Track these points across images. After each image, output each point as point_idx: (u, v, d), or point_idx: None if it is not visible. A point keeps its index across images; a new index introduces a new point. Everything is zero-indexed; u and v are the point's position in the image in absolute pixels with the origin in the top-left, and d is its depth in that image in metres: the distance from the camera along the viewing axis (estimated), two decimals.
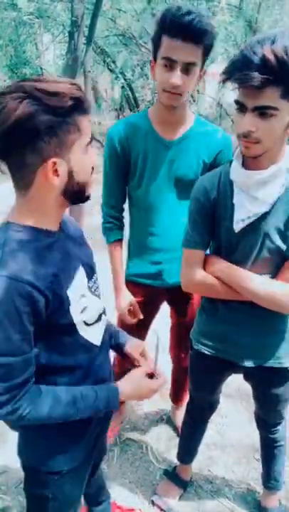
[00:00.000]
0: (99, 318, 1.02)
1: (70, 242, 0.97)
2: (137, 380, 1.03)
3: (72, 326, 0.93)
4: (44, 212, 0.88)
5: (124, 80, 8.81)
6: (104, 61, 9.16)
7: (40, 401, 0.89)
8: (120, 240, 1.67)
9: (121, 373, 1.80)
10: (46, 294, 0.83)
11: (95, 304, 1.00)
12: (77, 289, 0.92)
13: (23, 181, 0.84)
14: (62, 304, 0.88)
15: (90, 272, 1.01)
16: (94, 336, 1.01)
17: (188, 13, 1.23)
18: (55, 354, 0.93)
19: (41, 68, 9.71)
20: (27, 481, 1.08)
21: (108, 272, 1.71)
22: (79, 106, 0.80)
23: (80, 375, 0.99)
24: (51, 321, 0.87)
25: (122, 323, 1.78)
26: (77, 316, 0.92)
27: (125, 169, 1.56)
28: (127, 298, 1.66)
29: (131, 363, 1.17)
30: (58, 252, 0.89)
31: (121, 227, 1.68)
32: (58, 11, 7.44)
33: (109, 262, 1.68)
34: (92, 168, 0.91)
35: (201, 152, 1.49)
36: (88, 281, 0.99)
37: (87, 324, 0.97)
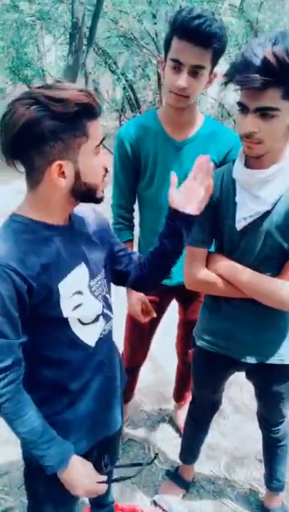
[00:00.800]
0: (96, 319, 1.02)
1: (78, 239, 0.98)
2: (85, 473, 0.99)
3: (63, 321, 0.93)
4: (49, 207, 0.91)
5: (126, 81, 8.83)
6: (105, 62, 9.19)
7: (19, 402, 0.89)
8: (131, 240, 1.68)
9: (130, 369, 1.78)
10: (30, 282, 0.84)
11: (92, 303, 1.00)
12: (71, 284, 0.93)
13: (33, 180, 0.88)
14: (50, 296, 0.89)
15: (95, 272, 1.02)
16: (88, 336, 1.01)
17: (199, 16, 1.22)
18: (43, 345, 0.94)
19: (43, 70, 9.74)
20: (24, 471, 1.09)
21: None
22: (86, 111, 0.82)
23: (68, 372, 0.99)
24: (39, 311, 0.89)
25: (132, 324, 1.79)
26: (68, 311, 0.93)
27: (135, 170, 1.57)
28: (139, 296, 1.67)
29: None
30: (56, 245, 0.91)
31: (131, 228, 1.69)
32: (60, 12, 7.47)
33: None
34: (106, 170, 0.92)
35: (210, 152, 1.48)
36: (90, 280, 1.00)
37: (82, 323, 0.97)
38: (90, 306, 0.99)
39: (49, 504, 1.08)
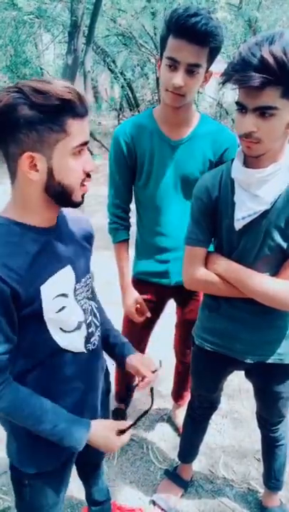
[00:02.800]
0: (78, 327, 1.01)
1: (64, 242, 0.97)
2: (108, 431, 1.01)
3: (44, 325, 0.92)
4: (29, 207, 0.90)
5: (124, 79, 8.81)
6: (104, 61, 9.18)
7: (16, 396, 0.91)
8: (126, 240, 1.68)
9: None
10: (13, 285, 0.84)
11: (75, 308, 0.99)
12: (55, 286, 0.92)
13: (10, 171, 0.87)
14: (33, 299, 0.89)
15: (81, 275, 1.01)
16: (72, 344, 1.00)
17: (195, 14, 1.22)
18: (24, 350, 0.93)
19: (41, 68, 9.71)
20: (11, 474, 1.10)
21: (111, 272, 1.71)
22: (68, 108, 0.81)
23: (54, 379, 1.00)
24: (23, 314, 0.88)
25: (128, 323, 1.78)
26: (49, 313, 0.92)
27: (131, 169, 1.56)
28: (134, 296, 1.67)
29: (130, 376, 1.15)
30: (40, 247, 0.90)
31: (127, 228, 1.68)
32: (58, 10, 7.44)
33: (116, 261, 1.69)
34: (88, 175, 0.90)
35: (206, 151, 1.49)
36: (76, 283, 0.99)
37: (63, 331, 0.96)
38: (73, 310, 0.98)
39: (36, 506, 1.11)
